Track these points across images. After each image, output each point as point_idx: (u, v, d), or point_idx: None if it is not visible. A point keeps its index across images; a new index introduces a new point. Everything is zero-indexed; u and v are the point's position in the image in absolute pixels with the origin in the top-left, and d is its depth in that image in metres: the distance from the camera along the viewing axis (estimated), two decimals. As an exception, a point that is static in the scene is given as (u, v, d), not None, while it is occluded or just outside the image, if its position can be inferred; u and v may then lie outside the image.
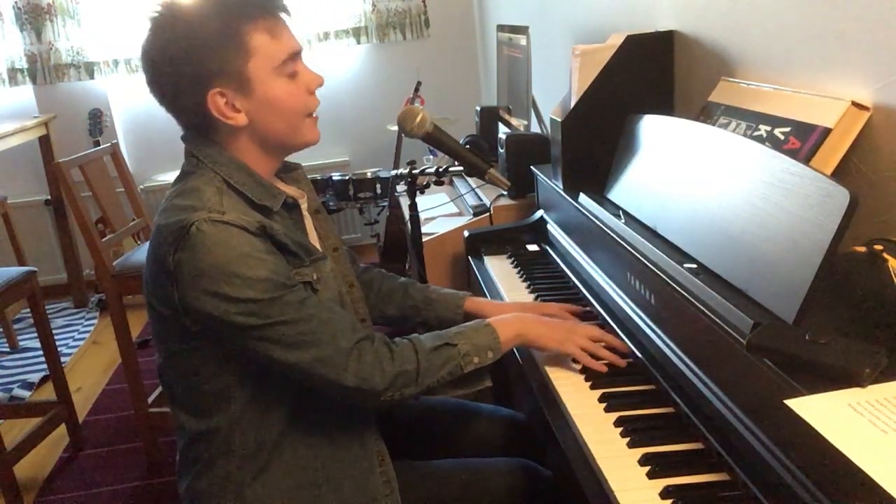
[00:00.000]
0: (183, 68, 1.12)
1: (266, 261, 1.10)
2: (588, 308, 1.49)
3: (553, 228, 1.85)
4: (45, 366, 2.77)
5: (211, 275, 1.07)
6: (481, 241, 1.99)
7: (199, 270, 1.07)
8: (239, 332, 1.10)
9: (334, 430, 1.24)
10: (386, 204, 3.19)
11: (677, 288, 1.14)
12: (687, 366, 1.09)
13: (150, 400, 2.56)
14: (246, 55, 1.13)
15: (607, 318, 1.40)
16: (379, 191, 3.15)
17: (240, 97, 1.15)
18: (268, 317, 1.09)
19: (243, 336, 1.10)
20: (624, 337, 1.31)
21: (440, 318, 1.49)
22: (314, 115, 1.24)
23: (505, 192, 2.21)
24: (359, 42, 4.12)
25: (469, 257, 1.98)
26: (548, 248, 1.87)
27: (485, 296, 1.73)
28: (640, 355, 1.25)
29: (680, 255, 1.21)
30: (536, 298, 1.63)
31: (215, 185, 1.15)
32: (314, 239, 1.31)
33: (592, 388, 1.23)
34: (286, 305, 1.10)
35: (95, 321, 3.95)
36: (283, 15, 1.18)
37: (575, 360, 1.31)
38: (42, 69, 3.99)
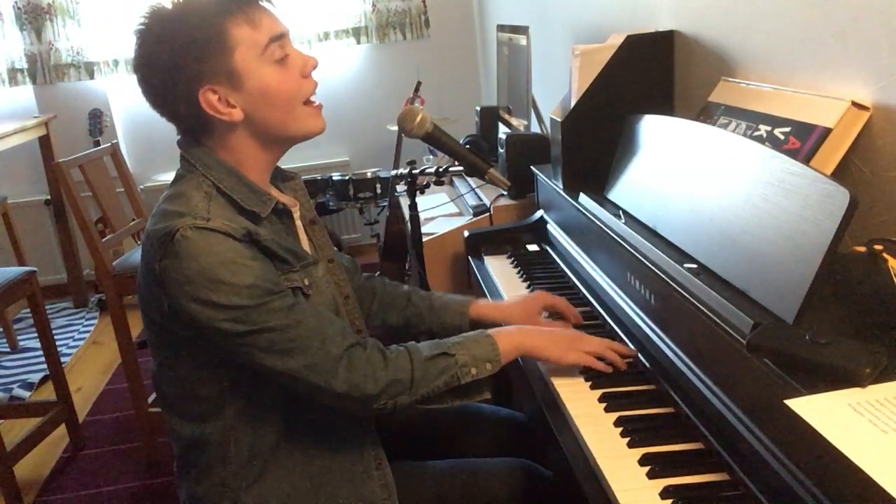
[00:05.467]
0: (171, 73, 1.12)
1: (251, 267, 1.09)
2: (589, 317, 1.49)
3: (553, 228, 1.85)
4: (45, 366, 2.76)
5: (196, 282, 1.06)
6: (481, 241, 1.99)
7: (184, 277, 1.07)
8: (227, 339, 1.10)
9: (331, 435, 1.24)
10: (386, 204, 3.19)
11: (677, 288, 1.14)
12: (687, 366, 1.09)
13: (150, 400, 2.56)
14: (229, 49, 1.13)
15: (607, 318, 1.40)
16: (379, 191, 3.15)
17: (232, 92, 1.14)
18: (255, 323, 1.08)
19: (232, 343, 1.10)
20: (627, 341, 1.31)
21: (444, 325, 1.47)
22: (316, 104, 1.22)
23: (505, 192, 2.21)
24: (359, 42, 4.12)
25: (469, 257, 1.97)
26: (548, 248, 1.87)
27: (485, 296, 1.72)
28: (639, 355, 1.25)
29: (680, 255, 1.21)
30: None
31: (204, 190, 1.15)
32: (306, 247, 1.30)
33: (592, 388, 1.23)
34: (273, 311, 1.09)
35: (95, 321, 3.95)
36: (264, 3, 1.17)
37: None
38: (42, 69, 3.99)
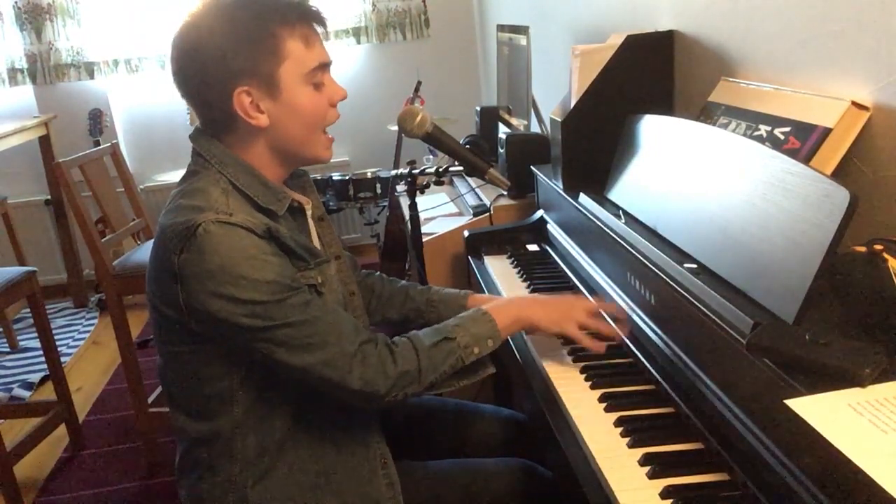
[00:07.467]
0: (216, 62, 1.12)
1: (272, 263, 1.10)
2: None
3: (553, 228, 1.85)
4: (45, 366, 2.77)
5: (217, 276, 1.07)
6: (481, 241, 1.99)
7: (205, 272, 1.07)
8: (244, 334, 1.10)
9: (337, 433, 1.24)
10: (386, 204, 3.19)
11: (677, 288, 1.14)
12: (687, 366, 1.09)
13: (150, 400, 2.56)
14: (279, 58, 1.14)
15: (608, 318, 1.40)
16: (379, 191, 3.16)
17: (265, 99, 1.15)
18: (273, 319, 1.09)
19: (249, 338, 1.10)
20: (627, 341, 1.31)
21: (443, 319, 1.47)
22: (330, 135, 1.24)
23: (505, 192, 2.21)
24: (359, 42, 4.12)
25: (469, 257, 1.98)
26: (548, 248, 1.87)
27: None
28: (640, 355, 1.25)
29: (680, 255, 1.21)
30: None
31: (221, 186, 1.15)
32: (317, 244, 1.31)
33: (592, 388, 1.23)
34: (291, 308, 1.10)
35: (95, 321, 3.95)
36: (317, 27, 1.19)
37: (565, 341, 1.34)
38: (42, 69, 3.99)
